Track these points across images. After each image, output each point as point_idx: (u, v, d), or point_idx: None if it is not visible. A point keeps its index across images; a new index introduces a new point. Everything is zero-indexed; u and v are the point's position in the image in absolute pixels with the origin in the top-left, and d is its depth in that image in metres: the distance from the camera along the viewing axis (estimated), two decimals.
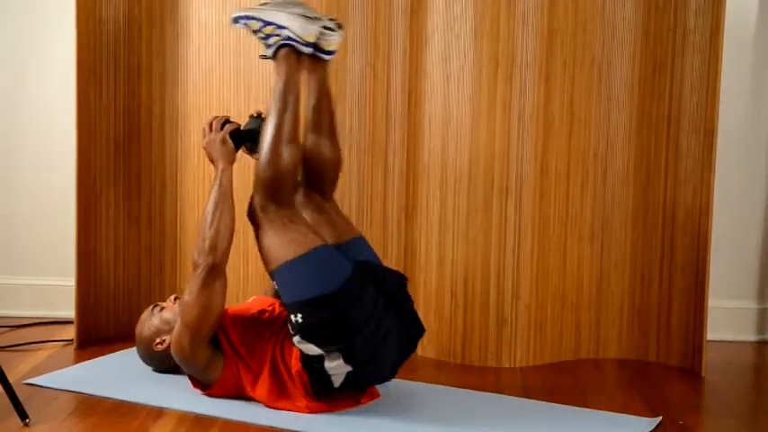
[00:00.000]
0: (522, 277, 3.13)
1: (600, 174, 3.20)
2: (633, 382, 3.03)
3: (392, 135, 3.21)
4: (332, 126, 2.80)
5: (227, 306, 2.71)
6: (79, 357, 3.10)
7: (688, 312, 3.16)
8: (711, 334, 3.20)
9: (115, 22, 3.29)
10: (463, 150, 3.11)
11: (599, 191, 3.20)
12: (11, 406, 2.50)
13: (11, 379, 2.58)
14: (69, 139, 3.23)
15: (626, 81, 3.17)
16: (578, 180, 3.17)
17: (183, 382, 2.78)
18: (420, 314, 2.75)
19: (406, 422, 2.59)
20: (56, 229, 3.54)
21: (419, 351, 3.20)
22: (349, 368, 2.57)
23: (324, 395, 2.63)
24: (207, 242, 2.63)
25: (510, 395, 2.85)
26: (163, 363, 2.86)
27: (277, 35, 2.68)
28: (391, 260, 3.19)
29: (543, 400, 2.81)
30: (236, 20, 2.74)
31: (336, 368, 2.57)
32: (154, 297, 3.37)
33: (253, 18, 2.71)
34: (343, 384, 2.61)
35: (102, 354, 3.12)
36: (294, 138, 2.65)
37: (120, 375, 2.90)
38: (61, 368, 2.96)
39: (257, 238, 2.64)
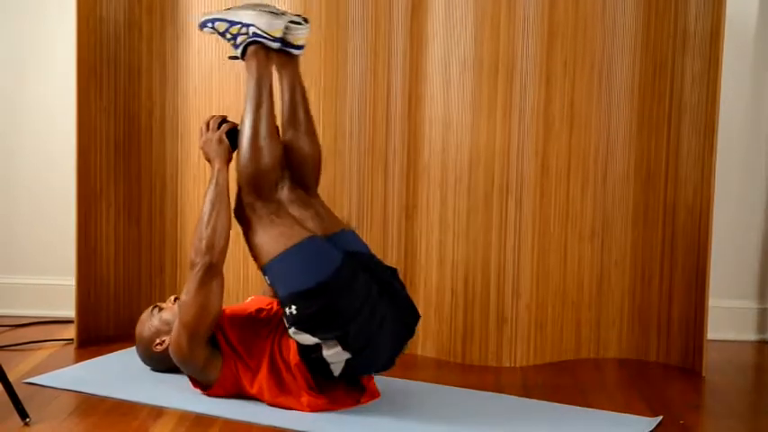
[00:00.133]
0: (523, 277, 3.13)
1: (600, 174, 3.19)
2: (633, 382, 3.03)
3: (392, 136, 3.21)
4: (308, 120, 2.80)
5: (224, 306, 2.71)
6: (79, 357, 3.10)
7: (688, 312, 3.16)
8: (712, 333, 3.20)
9: (115, 21, 3.29)
10: (463, 149, 3.11)
11: (599, 191, 3.20)
12: (11, 405, 2.50)
13: (11, 378, 2.58)
14: (69, 139, 3.24)
15: (626, 81, 3.17)
16: (579, 180, 3.17)
17: (183, 381, 2.77)
18: (420, 314, 2.74)
19: (406, 422, 2.58)
20: (56, 229, 3.54)
21: (419, 350, 3.20)
22: (347, 355, 2.56)
23: (325, 387, 2.63)
24: (204, 242, 2.63)
25: (510, 395, 2.85)
26: (162, 363, 2.85)
27: (244, 33, 2.69)
28: (392, 260, 3.18)
29: (543, 400, 2.81)
30: (202, 25, 2.76)
31: (334, 356, 2.57)
32: (154, 297, 3.37)
33: (218, 20, 2.72)
34: (342, 373, 2.60)
35: (102, 353, 3.12)
36: (272, 132, 2.66)
37: (120, 375, 2.90)
38: (61, 367, 2.96)
39: (246, 235, 2.65)
